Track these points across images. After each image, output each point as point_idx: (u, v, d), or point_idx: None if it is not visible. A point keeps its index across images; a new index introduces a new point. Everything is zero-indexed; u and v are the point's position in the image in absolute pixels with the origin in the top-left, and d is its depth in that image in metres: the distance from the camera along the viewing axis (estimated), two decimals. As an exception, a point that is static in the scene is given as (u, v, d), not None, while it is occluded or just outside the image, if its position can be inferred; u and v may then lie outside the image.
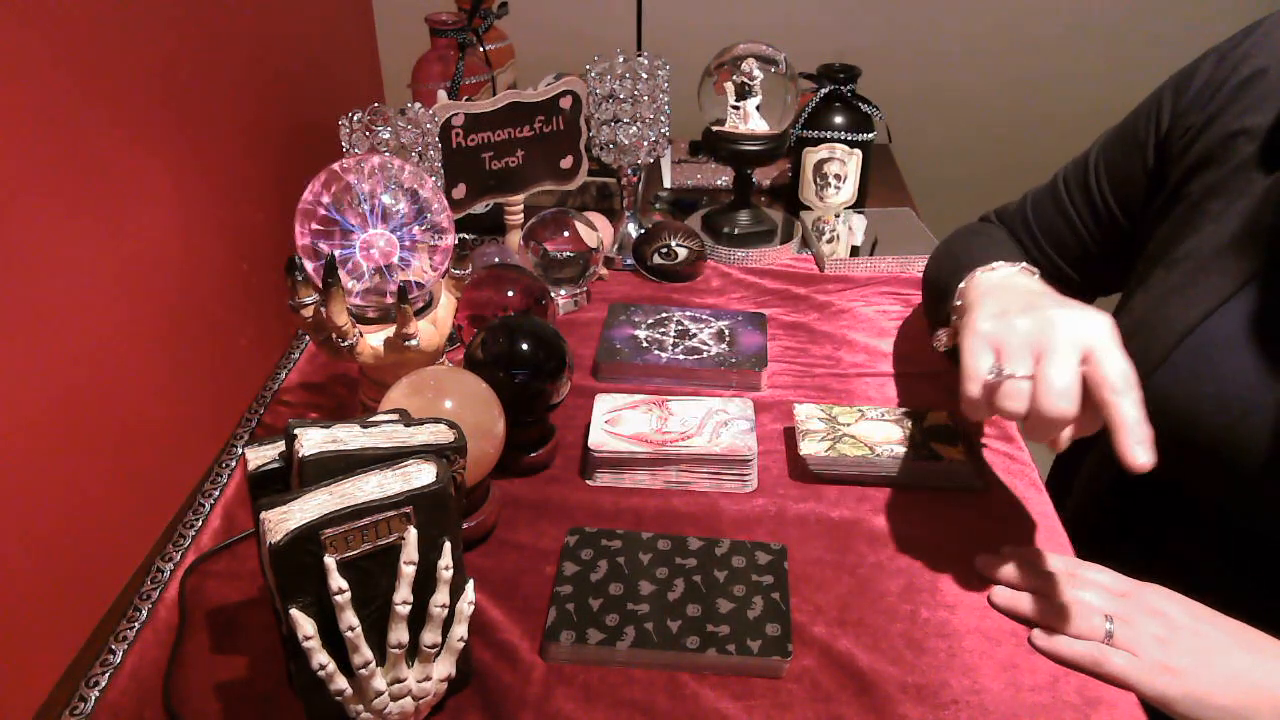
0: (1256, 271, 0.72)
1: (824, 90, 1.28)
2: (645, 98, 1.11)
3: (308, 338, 1.03)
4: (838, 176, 1.28)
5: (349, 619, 0.54)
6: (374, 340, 0.79)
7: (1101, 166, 0.89)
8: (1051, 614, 0.68)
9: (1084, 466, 0.87)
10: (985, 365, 0.65)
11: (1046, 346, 0.62)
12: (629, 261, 1.19)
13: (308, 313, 0.76)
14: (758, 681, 0.66)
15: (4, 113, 0.62)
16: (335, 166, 0.77)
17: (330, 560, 0.53)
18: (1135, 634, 0.66)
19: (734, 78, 1.16)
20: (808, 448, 0.83)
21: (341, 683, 0.55)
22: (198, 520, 0.80)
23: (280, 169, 1.02)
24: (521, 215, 1.15)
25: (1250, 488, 0.70)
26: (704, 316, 1.05)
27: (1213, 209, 0.75)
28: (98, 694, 0.65)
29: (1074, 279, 0.93)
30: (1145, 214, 0.84)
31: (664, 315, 1.05)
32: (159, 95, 0.80)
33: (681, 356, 0.97)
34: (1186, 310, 0.74)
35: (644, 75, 1.10)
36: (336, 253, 0.75)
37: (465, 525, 0.73)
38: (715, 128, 1.19)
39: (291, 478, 0.60)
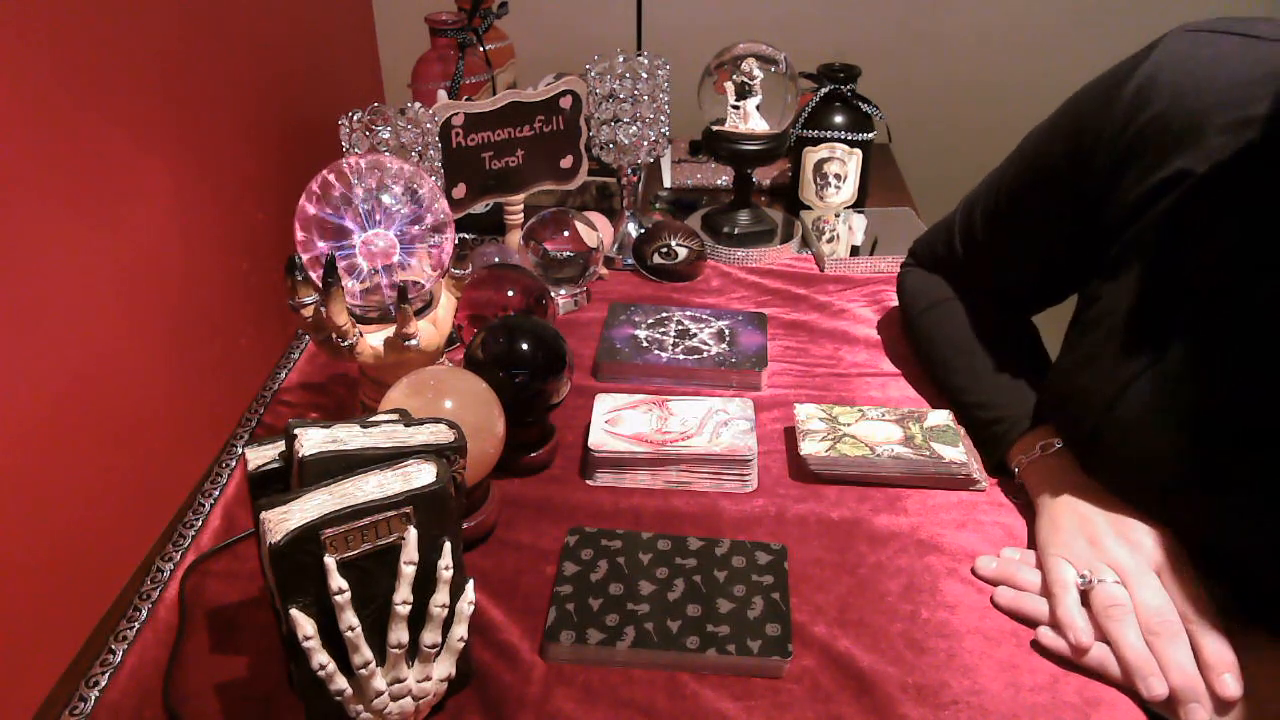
0: (1167, 341, 0.67)
1: (824, 90, 1.28)
2: (645, 98, 1.11)
3: (308, 338, 1.03)
4: (838, 176, 1.28)
5: (349, 619, 0.54)
6: (374, 340, 0.79)
7: (1018, 222, 0.84)
8: (1052, 614, 0.68)
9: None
10: (1071, 574, 0.69)
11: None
12: (629, 261, 1.19)
13: (308, 313, 0.76)
14: (758, 681, 0.66)
15: (4, 113, 0.62)
16: (335, 166, 0.77)
17: (330, 560, 0.53)
18: None
19: (734, 77, 1.16)
20: (808, 448, 0.83)
21: (341, 683, 0.55)
22: (198, 520, 0.80)
23: (280, 169, 1.02)
24: (521, 215, 1.15)
25: (1199, 544, 0.69)
26: (704, 316, 1.05)
27: (1126, 262, 0.70)
28: (98, 694, 0.65)
29: (1009, 304, 0.91)
30: (1062, 250, 0.81)
31: (664, 315, 1.05)
32: (159, 95, 0.80)
33: (682, 356, 0.97)
34: (1104, 382, 0.71)
35: (644, 75, 1.10)
36: (337, 253, 0.75)
37: (465, 525, 0.73)
38: (715, 128, 1.19)
39: (291, 478, 0.60)
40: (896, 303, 1.10)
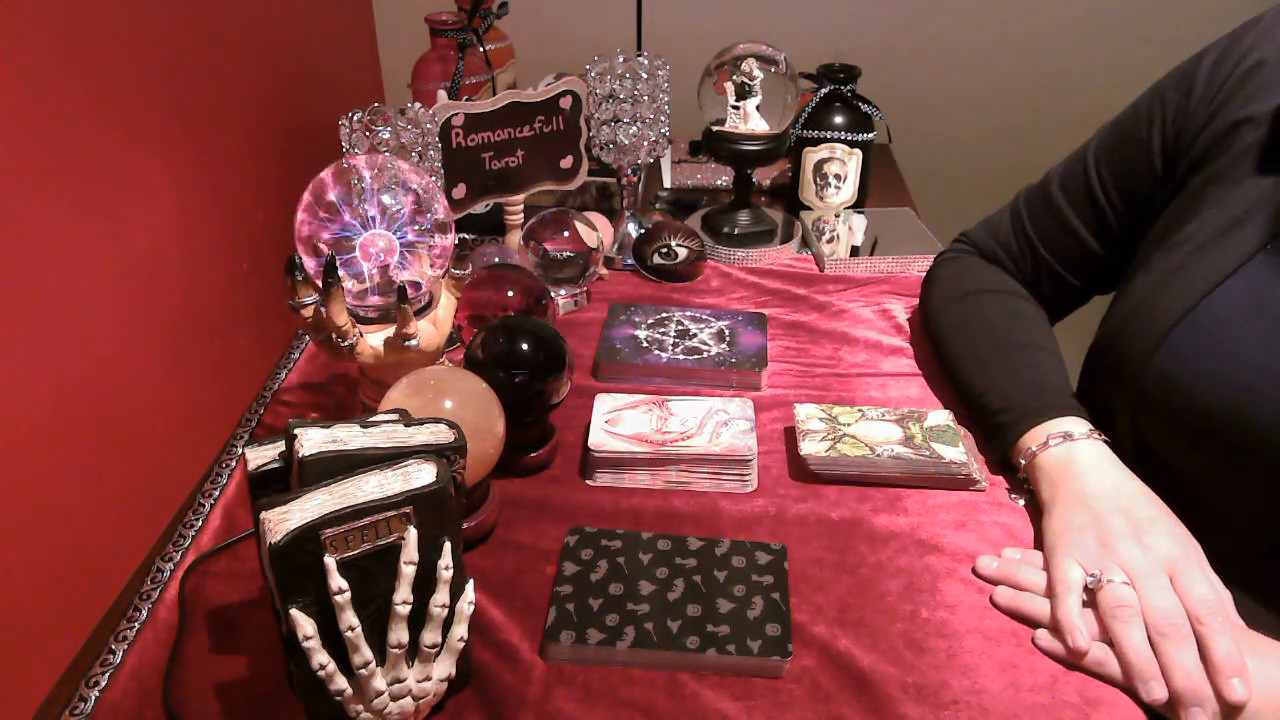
0: (1257, 249, 0.72)
1: (824, 90, 1.28)
2: (645, 98, 1.11)
3: (308, 338, 1.03)
4: (838, 176, 1.28)
5: (349, 619, 0.54)
6: (374, 340, 0.79)
7: (1105, 172, 0.88)
8: (1053, 615, 0.68)
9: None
10: (1078, 575, 0.69)
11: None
12: (629, 261, 1.19)
13: (308, 313, 0.76)
14: (758, 681, 0.66)
15: (6, 113, 0.62)
16: (335, 166, 0.77)
17: (330, 560, 0.53)
18: None
19: (734, 78, 1.16)
20: (808, 448, 0.83)
21: (341, 683, 0.55)
22: (198, 520, 0.80)
23: (280, 169, 1.02)
24: (521, 215, 1.15)
25: (1254, 467, 0.70)
26: (704, 316, 1.05)
27: (1213, 194, 0.76)
28: (98, 694, 0.65)
29: (1076, 285, 0.93)
30: (1148, 209, 0.85)
31: (664, 315, 1.05)
32: (160, 96, 0.80)
33: (681, 356, 0.97)
34: (1186, 290, 0.74)
35: (644, 75, 1.10)
36: (337, 253, 0.75)
37: (465, 525, 0.73)
38: (715, 128, 1.19)
39: (291, 478, 0.60)
40: (898, 301, 1.11)
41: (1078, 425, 0.79)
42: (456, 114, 1.02)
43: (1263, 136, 0.74)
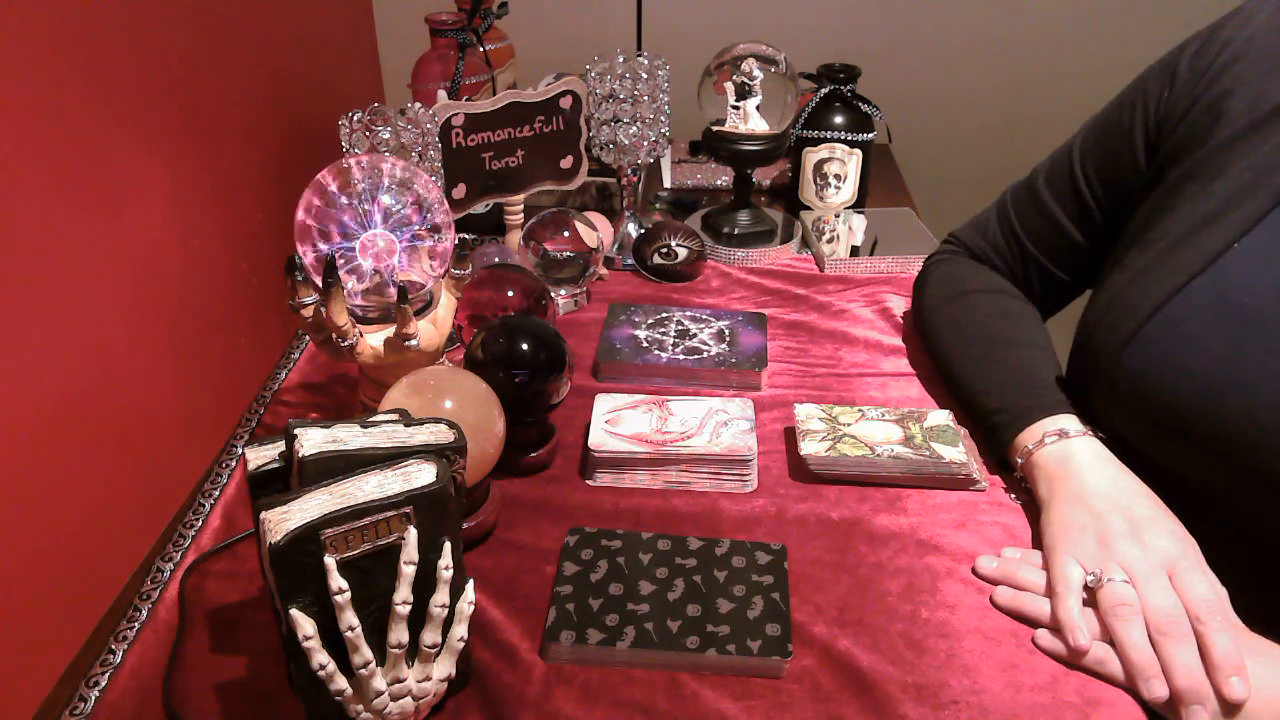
0: (1227, 247, 0.72)
1: (824, 90, 1.28)
2: (645, 98, 1.11)
3: (308, 338, 1.03)
4: (838, 176, 1.28)
5: (349, 619, 0.54)
6: (374, 340, 0.79)
7: (1090, 167, 0.88)
8: (1054, 614, 0.68)
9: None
10: (1078, 575, 0.69)
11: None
12: (629, 261, 1.19)
13: (308, 313, 0.76)
14: (758, 681, 0.66)
15: (7, 112, 0.62)
16: (335, 166, 0.77)
17: (330, 560, 0.53)
18: None
19: (734, 78, 1.16)
20: (808, 448, 0.83)
21: (341, 683, 0.55)
22: (198, 520, 0.80)
23: (281, 169, 1.02)
24: (521, 215, 1.15)
25: (1222, 463, 0.70)
26: (704, 316, 1.05)
27: (1188, 190, 0.76)
28: (98, 694, 0.65)
29: (1066, 281, 0.93)
30: (1132, 202, 0.85)
31: (664, 315, 1.05)
32: (160, 95, 0.80)
33: (681, 356, 0.97)
34: (1157, 287, 0.74)
35: (644, 75, 1.10)
36: (337, 252, 0.75)
37: (465, 525, 0.73)
38: (715, 128, 1.19)
39: (291, 478, 0.60)
40: (898, 301, 1.11)
41: (1073, 422, 0.79)
42: (456, 114, 1.02)
43: (1236, 132, 0.74)
